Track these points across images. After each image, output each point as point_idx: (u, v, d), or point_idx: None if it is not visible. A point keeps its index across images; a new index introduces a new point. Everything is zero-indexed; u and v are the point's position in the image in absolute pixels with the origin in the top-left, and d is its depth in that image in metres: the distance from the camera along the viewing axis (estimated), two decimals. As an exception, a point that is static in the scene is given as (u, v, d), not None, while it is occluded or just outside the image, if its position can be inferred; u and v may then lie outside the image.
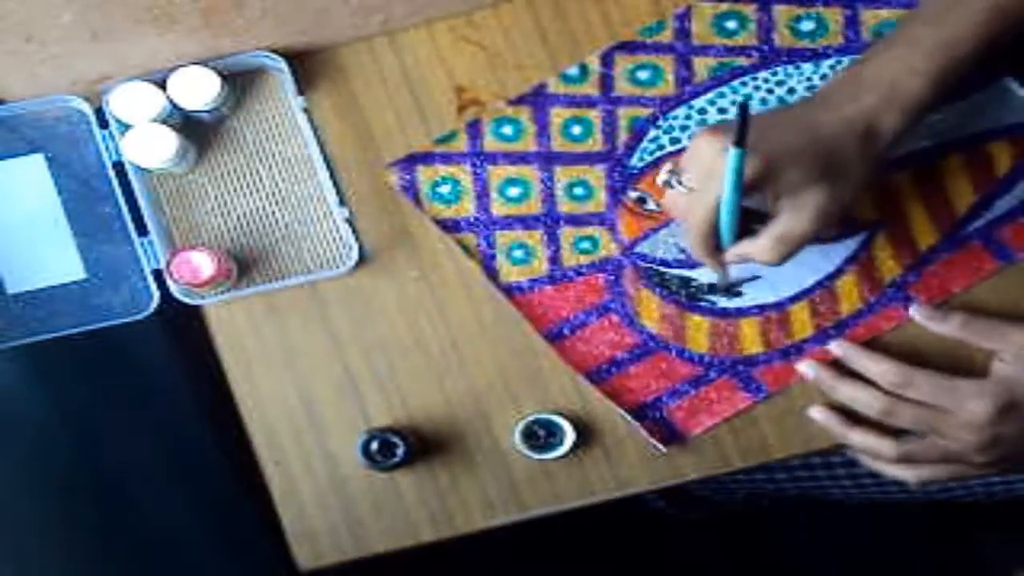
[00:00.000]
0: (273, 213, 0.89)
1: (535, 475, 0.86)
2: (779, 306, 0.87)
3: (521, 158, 0.89)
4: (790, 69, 0.89)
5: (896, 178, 0.87)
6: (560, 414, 0.85)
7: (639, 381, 0.87)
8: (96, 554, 0.86)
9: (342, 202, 0.87)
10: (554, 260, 0.88)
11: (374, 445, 0.84)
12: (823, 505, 1.10)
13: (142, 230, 0.87)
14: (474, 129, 0.89)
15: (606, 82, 0.89)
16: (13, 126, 0.88)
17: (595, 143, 0.89)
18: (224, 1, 0.82)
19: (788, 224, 0.75)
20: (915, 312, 0.85)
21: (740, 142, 0.69)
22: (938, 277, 0.87)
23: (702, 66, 0.89)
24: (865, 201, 0.86)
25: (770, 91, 0.89)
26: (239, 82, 0.89)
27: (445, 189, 0.89)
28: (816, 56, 0.89)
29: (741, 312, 0.87)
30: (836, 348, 0.86)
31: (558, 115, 0.89)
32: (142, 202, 0.87)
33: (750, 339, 0.87)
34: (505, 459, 0.86)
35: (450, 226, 0.88)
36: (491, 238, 0.88)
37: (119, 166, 0.87)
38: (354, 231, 0.87)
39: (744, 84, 0.89)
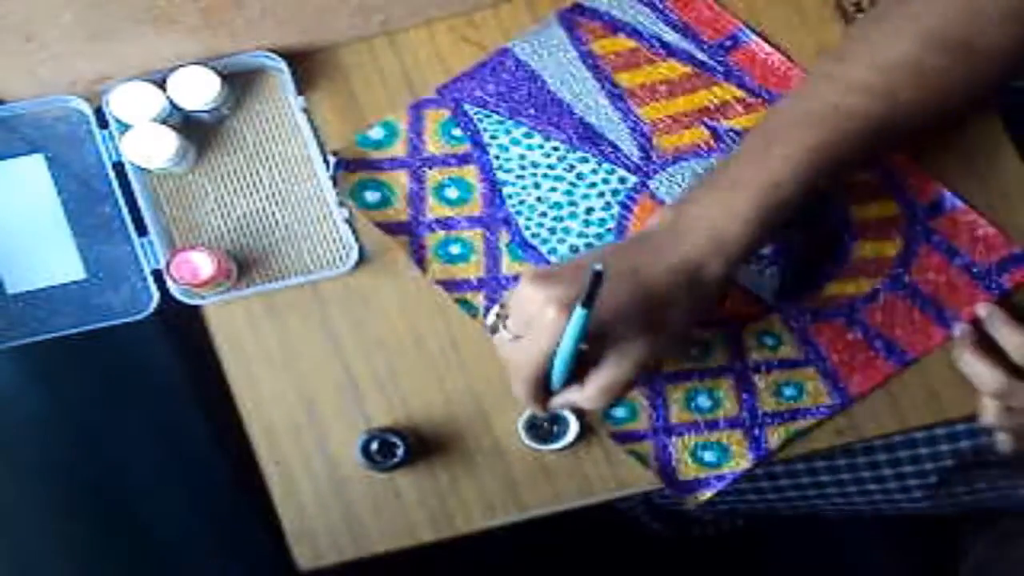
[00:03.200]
0: (273, 213, 0.89)
1: (535, 475, 0.86)
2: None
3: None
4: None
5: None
6: (564, 407, 0.85)
7: None
8: (96, 554, 0.86)
9: (342, 202, 0.87)
10: None
11: (374, 445, 0.84)
12: (820, 522, 1.09)
13: (142, 230, 0.87)
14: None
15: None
16: (13, 126, 0.88)
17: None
18: (224, 1, 0.82)
19: (612, 375, 0.73)
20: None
21: (588, 303, 0.66)
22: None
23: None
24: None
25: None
26: (239, 82, 0.89)
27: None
28: None
29: None
30: (982, 309, 0.85)
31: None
32: (142, 202, 0.87)
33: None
34: (505, 459, 0.86)
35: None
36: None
37: (119, 166, 0.87)
38: (354, 231, 0.87)
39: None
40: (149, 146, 0.85)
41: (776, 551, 1.32)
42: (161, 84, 0.86)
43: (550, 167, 0.88)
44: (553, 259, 0.87)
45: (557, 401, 0.77)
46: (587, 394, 0.75)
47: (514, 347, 0.75)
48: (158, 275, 0.86)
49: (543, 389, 0.77)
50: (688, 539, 1.27)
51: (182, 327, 0.89)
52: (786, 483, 1.00)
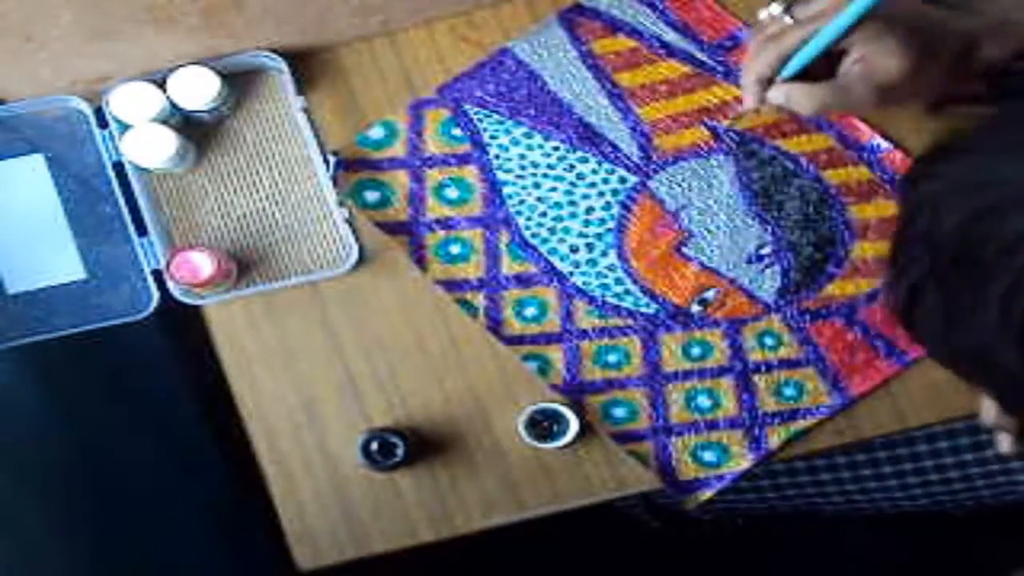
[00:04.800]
0: (273, 213, 0.89)
1: (535, 475, 0.86)
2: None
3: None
4: None
5: None
6: (565, 405, 0.85)
7: None
8: (96, 554, 0.86)
9: (342, 202, 0.87)
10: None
11: (374, 445, 0.84)
12: (819, 521, 1.09)
13: (142, 230, 0.87)
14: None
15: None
16: (13, 126, 0.88)
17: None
18: (224, 1, 0.82)
19: (855, 77, 0.75)
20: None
21: None
22: None
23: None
24: None
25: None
26: (239, 82, 0.89)
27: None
28: None
29: None
30: None
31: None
32: (142, 202, 0.87)
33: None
34: (505, 459, 0.86)
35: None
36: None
37: (119, 166, 0.87)
38: (354, 231, 0.87)
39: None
40: (149, 146, 0.85)
41: (776, 551, 1.32)
42: (161, 84, 0.86)
43: (550, 167, 0.88)
44: (553, 259, 0.87)
45: (778, 91, 0.78)
46: (814, 89, 0.76)
47: (786, 30, 0.77)
48: (158, 275, 0.86)
49: (768, 81, 0.79)
50: (688, 538, 1.27)
51: (182, 327, 0.89)
52: (786, 483, 1.00)
